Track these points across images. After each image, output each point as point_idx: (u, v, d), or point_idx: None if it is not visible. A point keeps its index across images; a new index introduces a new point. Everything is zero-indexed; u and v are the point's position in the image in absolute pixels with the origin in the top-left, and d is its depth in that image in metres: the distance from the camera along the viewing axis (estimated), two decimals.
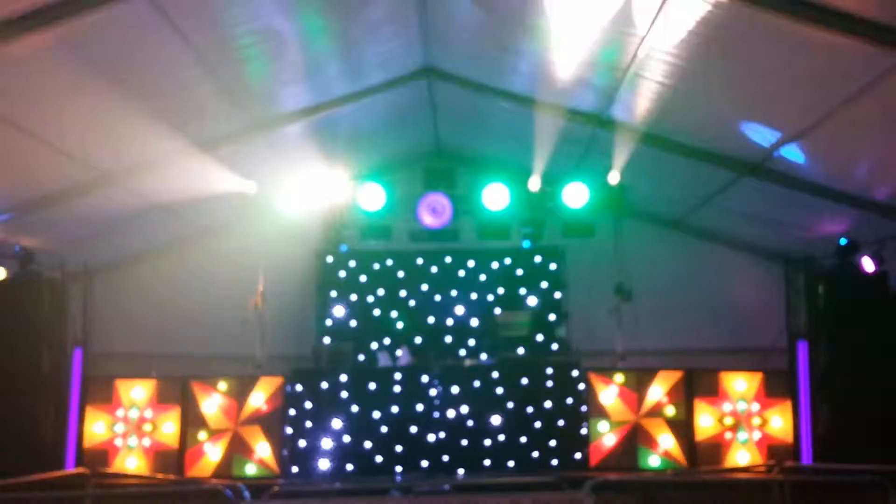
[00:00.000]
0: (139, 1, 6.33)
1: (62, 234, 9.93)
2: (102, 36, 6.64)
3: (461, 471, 9.51)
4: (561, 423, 9.69)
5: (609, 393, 9.84)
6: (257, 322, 10.47)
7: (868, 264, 9.43)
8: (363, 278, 11.80)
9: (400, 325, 11.65)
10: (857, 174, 8.52)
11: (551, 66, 8.48)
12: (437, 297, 11.74)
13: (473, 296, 11.71)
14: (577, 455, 9.65)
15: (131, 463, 9.71)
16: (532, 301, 11.64)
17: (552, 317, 11.63)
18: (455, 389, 9.74)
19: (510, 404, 9.72)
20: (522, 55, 8.59)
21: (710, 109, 8.40)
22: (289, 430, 9.70)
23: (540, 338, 11.33)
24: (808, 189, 8.99)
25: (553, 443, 9.64)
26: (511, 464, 9.60)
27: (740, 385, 9.84)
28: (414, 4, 8.01)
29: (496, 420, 9.67)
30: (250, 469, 9.69)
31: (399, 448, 9.61)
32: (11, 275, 9.68)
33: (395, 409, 9.69)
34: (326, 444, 9.60)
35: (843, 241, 9.44)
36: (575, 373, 9.90)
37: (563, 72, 8.50)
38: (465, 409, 9.70)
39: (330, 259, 11.81)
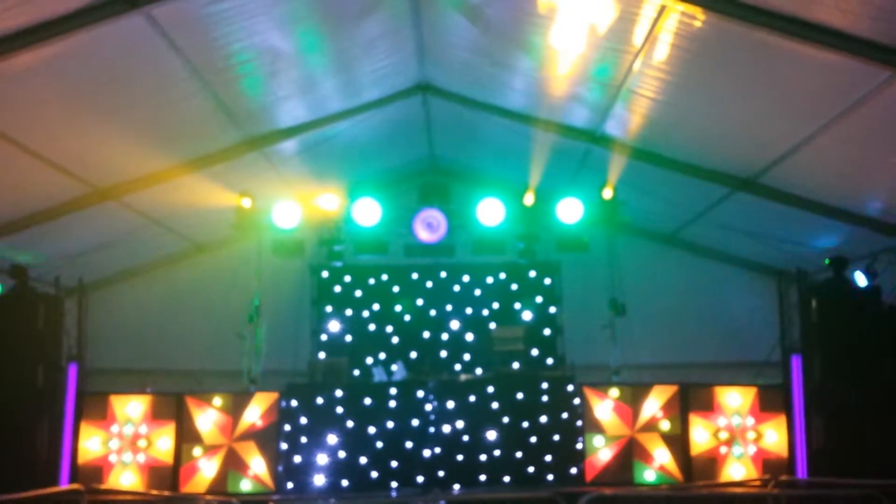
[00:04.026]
0: (136, 17, 6.36)
1: (58, 249, 9.93)
2: (99, 52, 6.68)
3: (457, 486, 9.49)
4: (556, 437, 9.67)
5: (604, 407, 9.83)
6: (252, 337, 10.49)
7: (861, 278, 9.47)
8: (358, 293, 11.81)
9: (395, 339, 11.65)
10: (849, 189, 8.58)
11: (545, 83, 8.55)
12: (433, 312, 11.75)
13: (468, 310, 11.73)
14: (573, 470, 9.64)
15: (126, 479, 9.65)
16: (527, 316, 11.67)
17: (547, 331, 11.65)
18: (450, 404, 9.73)
19: (505, 419, 9.71)
20: (517, 72, 8.65)
21: (702, 125, 8.46)
22: (284, 446, 9.67)
23: (535, 352, 11.35)
24: (801, 204, 9.05)
25: (549, 458, 9.63)
26: (507, 479, 9.57)
27: (735, 399, 9.84)
28: (409, 21, 8.07)
29: (492, 435, 9.65)
30: (245, 485, 9.63)
31: (394, 463, 9.58)
32: (6, 290, 9.64)
33: (390, 424, 9.66)
34: (322, 459, 9.56)
35: (826, 262, 9.51)
36: (570, 387, 9.90)
37: (557, 88, 8.58)
38: (460, 423, 9.68)
39: (325, 274, 11.82)
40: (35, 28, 6.11)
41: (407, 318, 11.73)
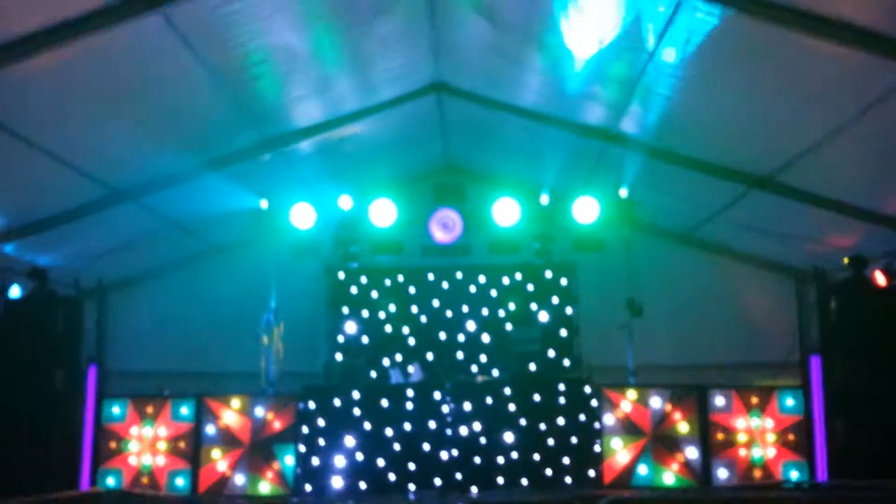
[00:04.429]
0: (153, 18, 6.41)
1: (77, 251, 10.00)
2: (116, 53, 6.72)
3: (474, 488, 9.44)
4: (574, 439, 9.60)
5: (622, 409, 9.77)
6: (270, 339, 10.50)
7: (880, 278, 9.38)
8: (374, 294, 11.81)
9: (412, 341, 11.63)
10: (868, 187, 8.49)
11: (560, 82, 8.53)
12: (449, 313, 11.72)
13: (485, 311, 11.69)
14: (591, 472, 9.57)
15: (145, 482, 9.70)
16: (543, 316, 11.61)
17: (564, 332, 11.60)
18: (467, 406, 9.70)
19: (523, 421, 9.66)
20: (532, 70, 8.63)
21: (719, 123, 8.40)
22: (301, 448, 9.67)
23: (552, 353, 11.31)
24: (818, 203, 8.96)
25: (566, 460, 9.56)
26: (524, 481, 9.51)
27: (754, 401, 9.75)
28: (424, 20, 8.07)
29: (509, 437, 9.61)
30: (264, 487, 9.65)
31: (412, 466, 9.55)
32: (26, 292, 9.71)
33: (407, 426, 9.64)
34: (339, 461, 9.56)
35: (845, 261, 9.43)
36: (587, 389, 9.84)
37: (573, 87, 8.55)
38: (477, 426, 9.64)
39: (341, 275, 11.83)
40: (53, 29, 6.15)
41: (423, 319, 11.71)
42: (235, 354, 11.00)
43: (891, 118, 6.91)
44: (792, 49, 6.46)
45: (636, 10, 6.84)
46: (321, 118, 9.38)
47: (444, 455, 9.56)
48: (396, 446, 9.59)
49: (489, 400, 9.74)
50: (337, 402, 9.74)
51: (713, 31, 6.66)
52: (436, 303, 11.74)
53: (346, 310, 11.74)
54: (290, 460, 9.69)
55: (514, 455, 9.58)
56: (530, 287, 11.74)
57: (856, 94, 6.82)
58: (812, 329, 10.86)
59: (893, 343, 9.12)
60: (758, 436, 9.66)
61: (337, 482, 9.51)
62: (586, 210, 10.30)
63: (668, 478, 9.61)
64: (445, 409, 9.69)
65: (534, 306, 11.65)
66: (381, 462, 9.56)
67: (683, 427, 9.71)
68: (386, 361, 11.34)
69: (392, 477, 9.53)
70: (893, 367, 9.05)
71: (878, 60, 6.16)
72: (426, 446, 9.59)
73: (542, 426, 9.64)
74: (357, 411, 9.70)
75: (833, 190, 8.77)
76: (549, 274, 11.73)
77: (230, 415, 9.81)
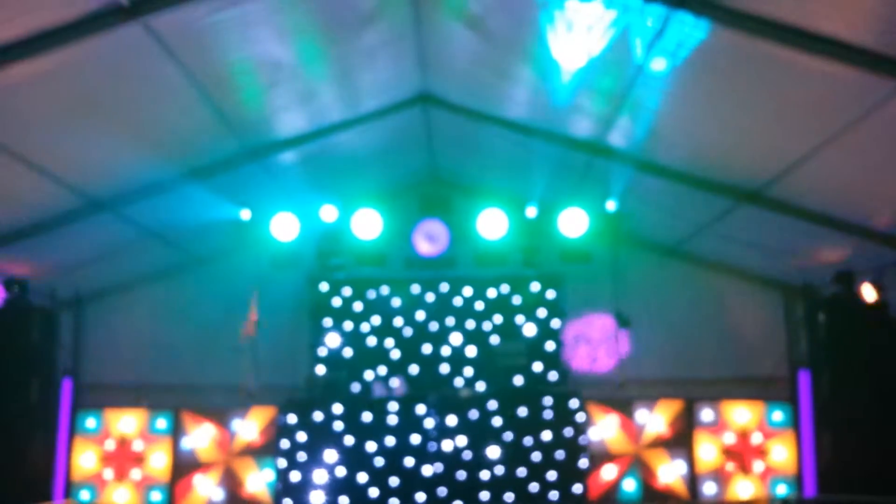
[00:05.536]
0: (133, 27, 6.28)
1: (54, 262, 9.83)
2: (98, 62, 6.59)
3: None
4: (560, 454, 9.54)
5: (608, 423, 9.70)
6: (250, 351, 10.35)
7: (868, 293, 9.36)
8: (358, 306, 11.67)
9: (395, 354, 11.49)
10: (856, 202, 8.48)
11: (548, 94, 8.47)
12: (433, 326, 11.60)
13: (470, 324, 11.57)
14: (577, 488, 9.49)
15: (120, 496, 9.53)
16: (530, 329, 11.51)
17: (550, 345, 11.51)
18: (451, 420, 9.61)
19: (508, 435, 9.59)
20: (519, 82, 8.56)
21: (707, 137, 8.37)
22: (281, 463, 9.53)
23: (538, 367, 11.21)
24: (807, 217, 8.94)
25: (552, 475, 9.50)
26: (509, 497, 9.44)
27: (742, 415, 9.71)
28: (410, 31, 7.99)
29: (494, 452, 9.53)
30: (242, 502, 9.51)
31: (394, 481, 9.45)
32: (1, 303, 9.54)
33: (390, 440, 9.54)
34: (320, 476, 9.43)
35: (834, 276, 9.42)
36: (574, 403, 9.77)
37: (560, 99, 8.49)
38: (461, 440, 9.56)
39: (324, 287, 11.69)
40: (32, 39, 6.02)
41: (407, 331, 11.58)
42: (215, 367, 10.84)
43: (879, 133, 6.89)
44: (780, 63, 6.42)
45: (624, 24, 6.78)
46: (305, 128, 9.27)
47: (427, 470, 9.47)
48: (379, 461, 9.50)
49: (474, 414, 9.67)
50: (318, 416, 9.63)
51: (701, 45, 6.61)
52: (420, 315, 11.62)
53: (328, 322, 11.58)
54: (269, 475, 9.55)
55: (499, 470, 9.50)
56: (516, 300, 11.64)
57: (843, 109, 6.79)
58: (800, 344, 10.83)
59: (881, 358, 9.11)
60: (746, 450, 9.61)
61: (317, 497, 9.38)
62: (573, 222, 10.22)
63: (655, 493, 9.54)
64: (429, 423, 9.60)
65: (520, 319, 11.54)
66: (362, 477, 9.45)
67: (670, 441, 9.65)
68: (369, 375, 11.18)
69: (374, 492, 9.43)
70: (881, 381, 9.04)
71: (866, 76, 6.13)
72: (409, 461, 9.51)
73: (528, 441, 9.58)
74: (338, 425, 9.60)
75: (822, 204, 8.75)
76: (535, 286, 11.64)
77: (208, 428, 9.67)
